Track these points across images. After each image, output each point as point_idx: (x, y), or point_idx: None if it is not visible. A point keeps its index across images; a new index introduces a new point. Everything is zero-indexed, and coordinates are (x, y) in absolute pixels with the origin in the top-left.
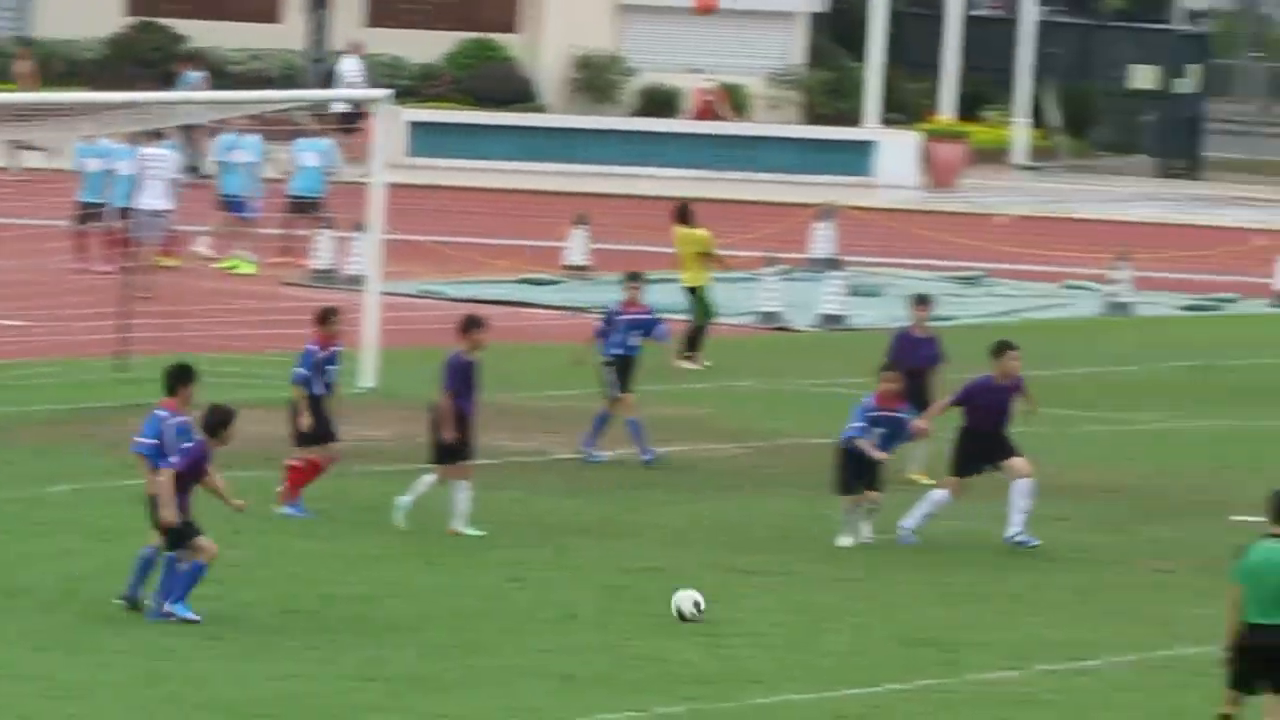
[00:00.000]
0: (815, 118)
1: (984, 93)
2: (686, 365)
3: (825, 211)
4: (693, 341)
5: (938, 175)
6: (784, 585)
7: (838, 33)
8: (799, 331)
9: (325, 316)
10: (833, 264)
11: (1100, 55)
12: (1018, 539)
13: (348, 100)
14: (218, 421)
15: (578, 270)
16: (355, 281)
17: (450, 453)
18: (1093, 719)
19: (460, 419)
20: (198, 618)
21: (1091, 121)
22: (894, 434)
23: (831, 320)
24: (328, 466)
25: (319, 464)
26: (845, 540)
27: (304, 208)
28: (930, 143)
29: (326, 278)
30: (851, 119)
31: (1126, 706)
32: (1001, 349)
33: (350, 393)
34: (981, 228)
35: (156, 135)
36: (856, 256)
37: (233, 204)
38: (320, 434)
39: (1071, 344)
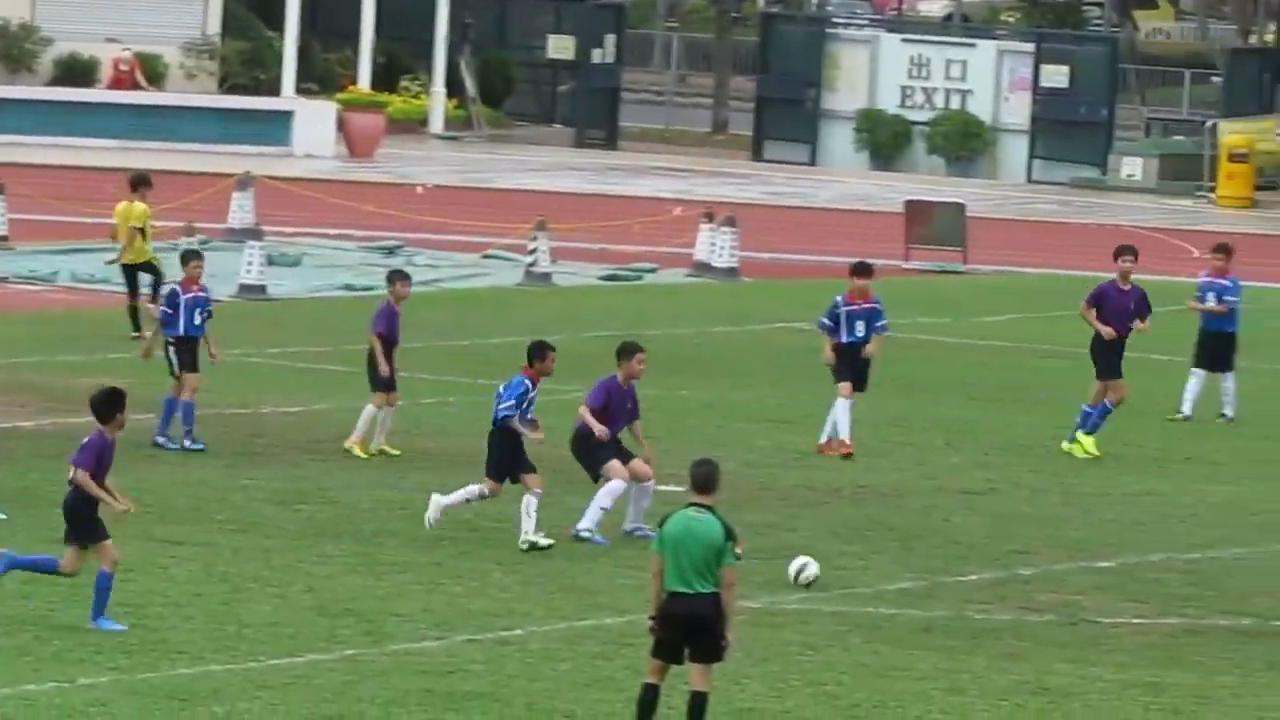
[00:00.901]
0: (232, 88)
1: (402, 63)
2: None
3: (243, 181)
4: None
5: (355, 145)
6: (205, 556)
7: (254, 3)
8: (219, 301)
9: None
10: (251, 234)
11: (517, 25)
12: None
13: None
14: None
15: None
16: None
17: None
18: (518, 688)
19: None
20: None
21: (509, 92)
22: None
23: (251, 290)
24: None
25: None
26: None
27: None
28: (347, 113)
29: None
30: (269, 89)
31: (552, 676)
32: (630, 351)
33: None
34: (400, 198)
35: None
36: (275, 227)
37: None
38: None
39: (492, 314)
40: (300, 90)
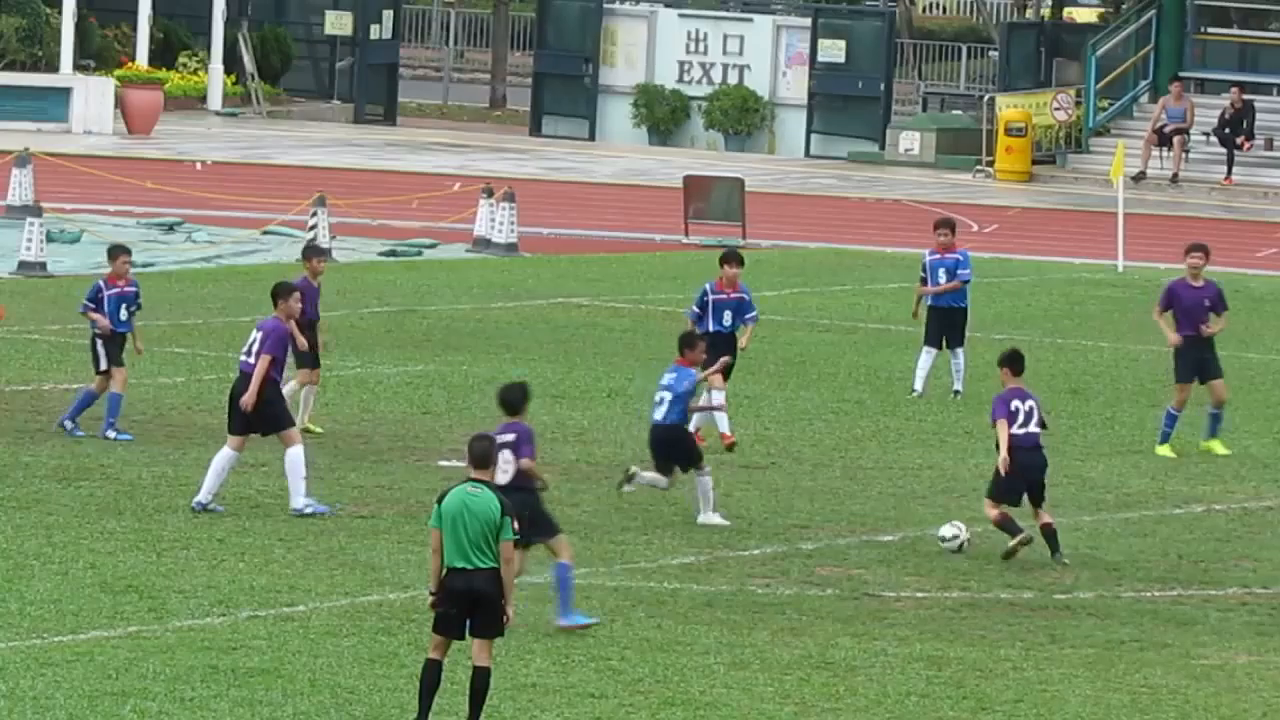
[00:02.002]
0: (9, 64)
1: (179, 39)
2: None
3: (21, 158)
4: None
5: (134, 122)
6: None
7: None
8: None
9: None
10: (30, 211)
11: (295, 1)
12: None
13: None
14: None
15: None
16: None
17: None
18: (301, 664)
19: None
20: None
21: (287, 68)
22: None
23: (30, 267)
24: None
25: None
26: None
27: None
28: (125, 89)
29: None
30: (47, 65)
31: (335, 652)
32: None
33: None
34: (179, 174)
35: None
36: (54, 203)
37: None
38: None
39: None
40: (78, 67)
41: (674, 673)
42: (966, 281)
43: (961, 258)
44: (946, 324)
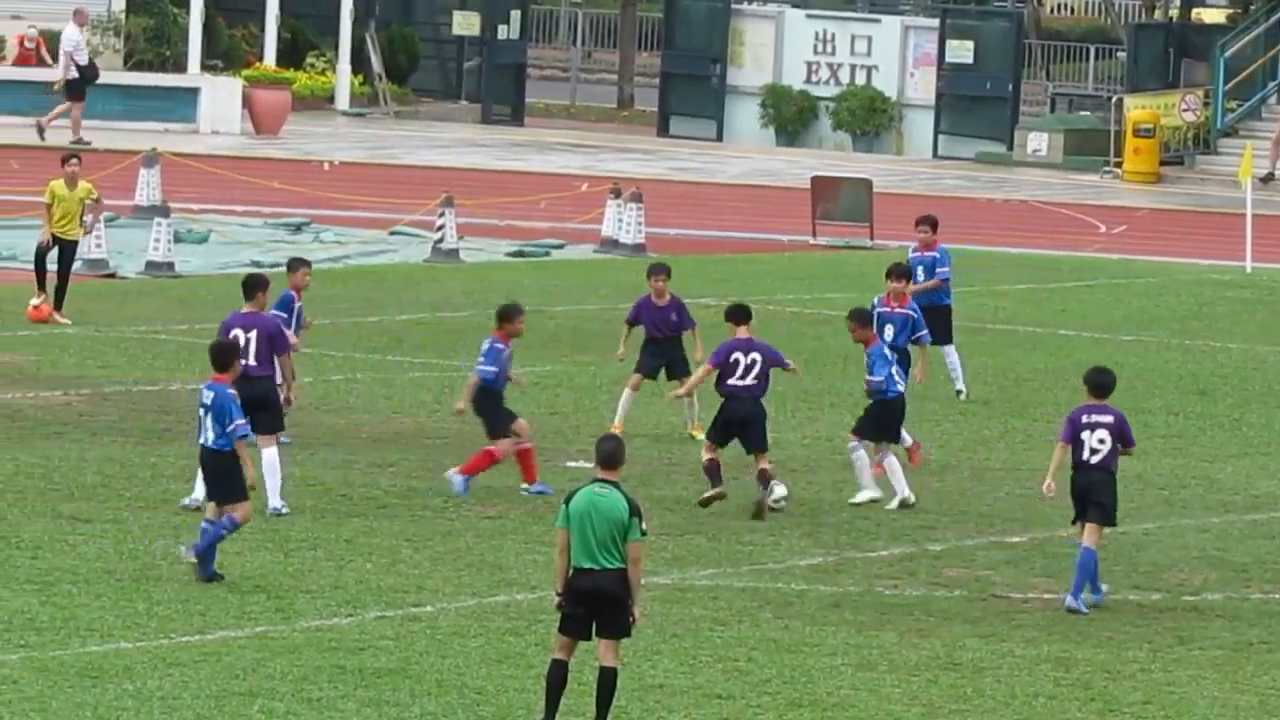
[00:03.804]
0: (138, 64)
1: (307, 39)
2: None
3: (149, 158)
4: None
5: (261, 122)
6: (114, 533)
7: None
8: (126, 278)
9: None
10: (158, 211)
11: (423, 1)
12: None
13: None
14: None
15: None
16: None
17: None
18: (428, 665)
19: None
20: None
21: (414, 68)
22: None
23: (158, 267)
24: None
25: None
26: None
27: None
28: (253, 89)
29: None
30: (175, 66)
31: (462, 652)
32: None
33: None
34: (306, 174)
35: None
36: (182, 203)
37: None
38: None
39: (399, 290)
40: (205, 67)
41: (801, 674)
42: (945, 279)
43: (940, 255)
44: (931, 322)
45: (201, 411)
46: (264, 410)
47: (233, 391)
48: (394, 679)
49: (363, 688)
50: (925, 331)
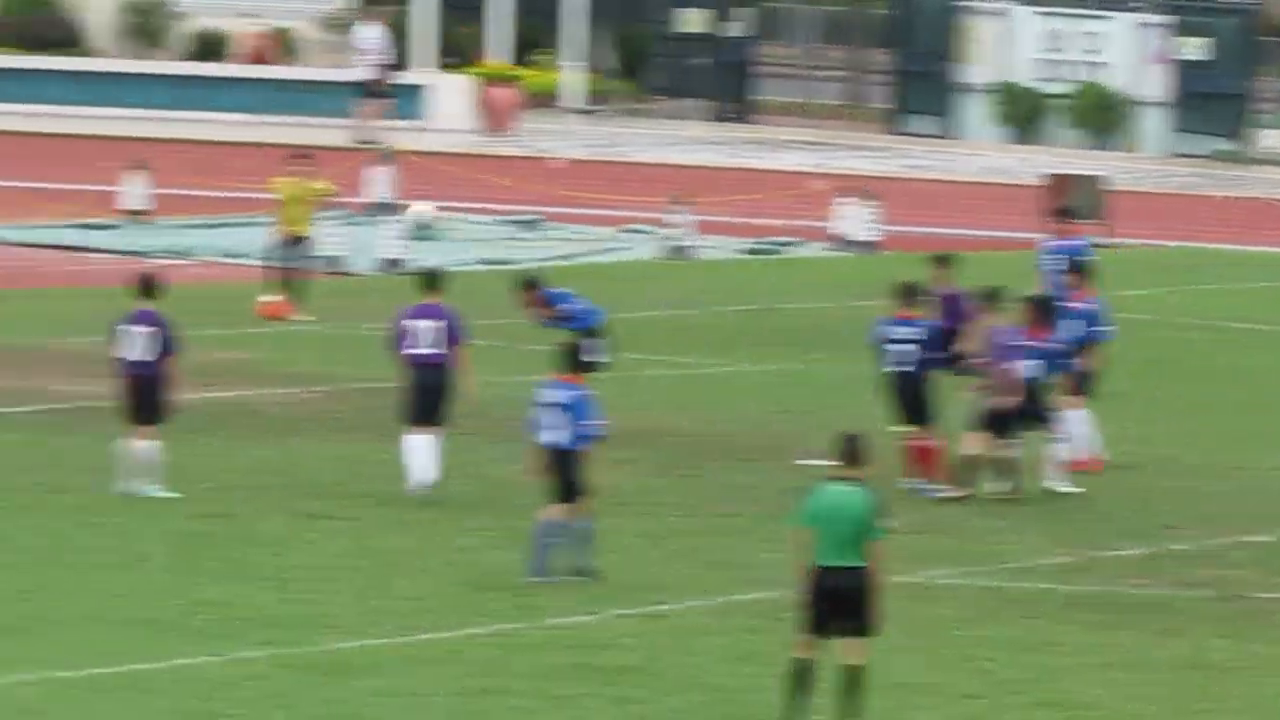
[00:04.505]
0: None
1: (536, 36)
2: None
3: (382, 155)
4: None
5: (493, 119)
6: (352, 529)
7: None
8: (360, 275)
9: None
10: (390, 208)
11: None
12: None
13: None
14: None
15: (135, 214)
16: None
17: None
18: (669, 663)
19: None
20: None
21: (643, 65)
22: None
23: (392, 264)
24: None
25: None
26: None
27: None
28: (485, 86)
29: None
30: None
31: (702, 650)
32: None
33: None
34: (537, 171)
35: None
36: (415, 200)
37: None
38: None
39: (632, 288)
40: (438, 64)
41: (1045, 673)
42: None
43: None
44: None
45: (547, 409)
46: (439, 399)
47: (590, 392)
48: (636, 676)
49: (606, 685)
50: (1102, 329)
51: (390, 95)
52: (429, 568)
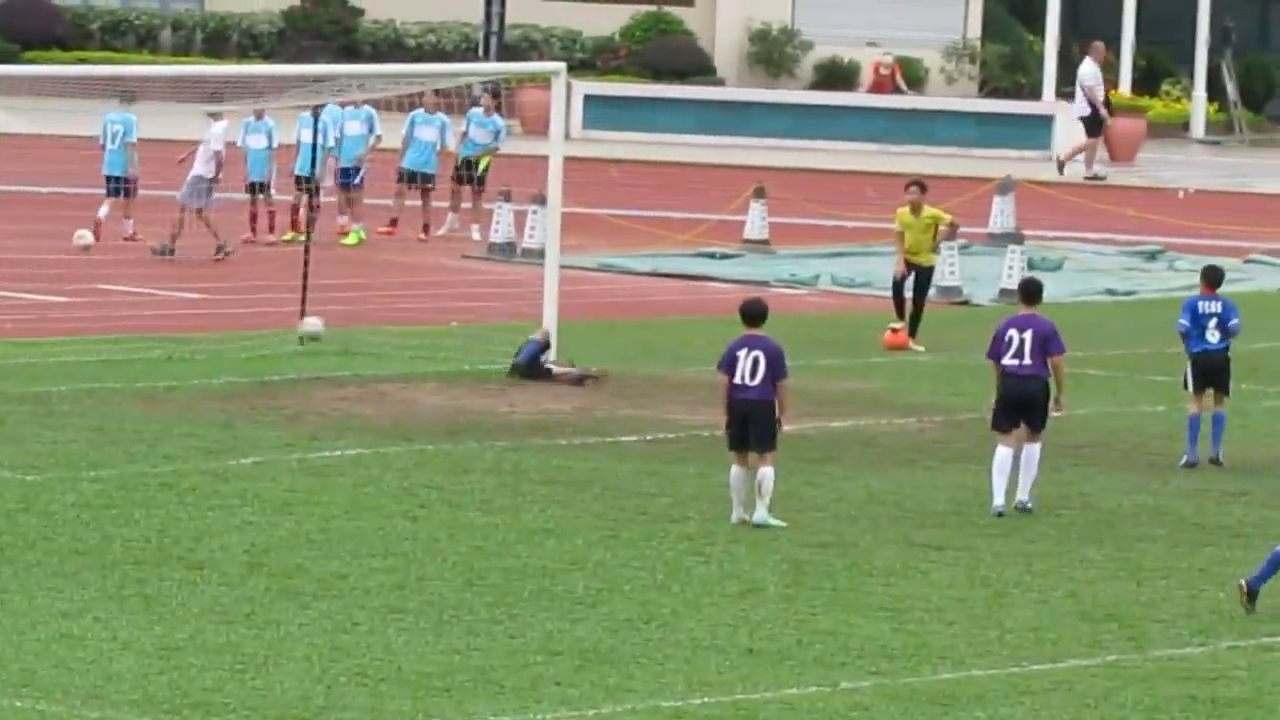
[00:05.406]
0: (992, 91)
1: (1161, 66)
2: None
3: (1004, 185)
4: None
5: (1116, 149)
6: (966, 560)
7: (1014, 5)
8: (980, 306)
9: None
10: (1012, 238)
11: (1279, 28)
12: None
13: (522, 74)
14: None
15: (757, 244)
16: (533, 255)
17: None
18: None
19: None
20: None
21: (1270, 95)
22: None
23: (1012, 294)
24: None
25: None
26: None
27: (414, 180)
28: (1114, 116)
29: (504, 251)
30: (1028, 92)
31: None
32: None
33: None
34: (1160, 202)
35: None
36: (1035, 231)
37: (342, 174)
38: None
39: (1255, 319)
40: (1062, 94)
41: None
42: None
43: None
44: None
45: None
46: (1034, 414)
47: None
48: (1246, 709)
49: (1214, 717)
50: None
51: (1099, 130)
52: (1044, 599)
